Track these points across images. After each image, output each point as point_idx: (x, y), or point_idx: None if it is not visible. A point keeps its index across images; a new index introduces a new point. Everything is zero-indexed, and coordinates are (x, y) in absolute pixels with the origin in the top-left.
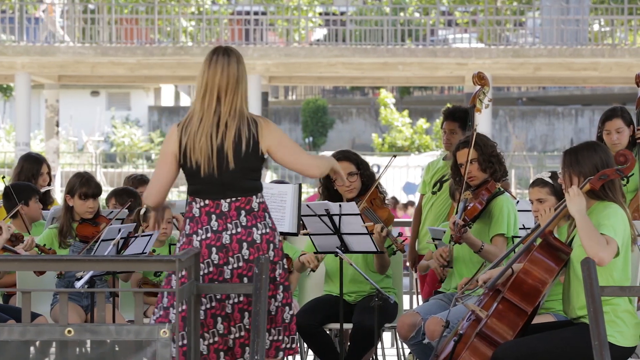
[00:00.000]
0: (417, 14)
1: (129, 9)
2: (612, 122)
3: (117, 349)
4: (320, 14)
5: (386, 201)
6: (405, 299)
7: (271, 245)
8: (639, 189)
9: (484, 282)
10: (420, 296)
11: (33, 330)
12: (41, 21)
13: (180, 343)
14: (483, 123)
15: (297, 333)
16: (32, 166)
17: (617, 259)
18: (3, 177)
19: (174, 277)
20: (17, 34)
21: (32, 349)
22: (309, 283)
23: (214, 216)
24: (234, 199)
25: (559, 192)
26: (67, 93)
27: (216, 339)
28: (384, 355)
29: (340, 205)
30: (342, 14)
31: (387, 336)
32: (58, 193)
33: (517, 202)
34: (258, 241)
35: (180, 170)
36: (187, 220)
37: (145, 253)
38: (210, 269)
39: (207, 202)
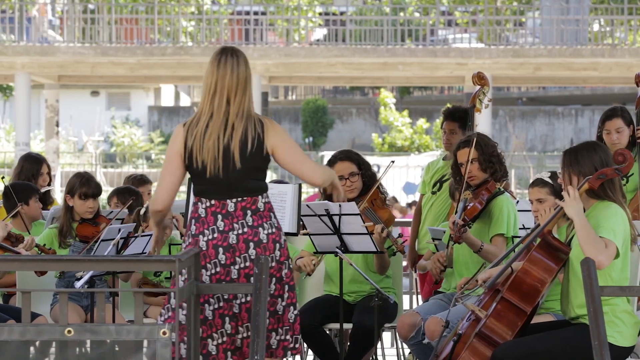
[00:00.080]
0: (417, 14)
1: (129, 9)
2: (612, 121)
3: (117, 349)
4: (320, 14)
5: (387, 202)
6: (405, 299)
7: (277, 245)
8: (639, 189)
9: (484, 282)
10: (420, 296)
11: (33, 330)
12: (33, 19)
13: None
14: (483, 123)
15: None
16: (32, 166)
17: (617, 259)
18: (3, 177)
19: (180, 277)
20: (17, 34)
21: (32, 349)
22: (309, 283)
23: (220, 216)
24: (239, 199)
25: (558, 192)
26: (67, 93)
27: (224, 338)
28: (383, 355)
29: (340, 205)
30: (342, 14)
31: (387, 336)
32: (58, 193)
33: (517, 202)
34: (264, 241)
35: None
36: (193, 220)
37: (145, 253)
38: (218, 269)
39: (213, 202)
